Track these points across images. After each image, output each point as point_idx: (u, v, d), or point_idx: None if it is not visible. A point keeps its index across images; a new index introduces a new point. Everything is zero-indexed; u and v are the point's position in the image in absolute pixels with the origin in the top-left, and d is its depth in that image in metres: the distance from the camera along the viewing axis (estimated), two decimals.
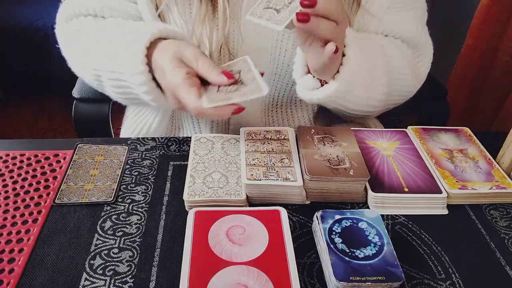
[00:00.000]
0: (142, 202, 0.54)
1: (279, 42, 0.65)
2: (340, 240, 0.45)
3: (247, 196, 0.53)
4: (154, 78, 0.56)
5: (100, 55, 0.61)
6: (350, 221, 0.48)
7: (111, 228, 0.50)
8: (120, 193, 0.55)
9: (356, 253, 0.44)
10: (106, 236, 0.49)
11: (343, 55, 0.57)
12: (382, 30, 0.68)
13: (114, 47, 0.59)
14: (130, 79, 0.56)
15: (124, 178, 0.57)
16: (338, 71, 0.57)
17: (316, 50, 0.53)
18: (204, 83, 0.55)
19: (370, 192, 0.54)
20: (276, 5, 0.51)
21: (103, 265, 0.46)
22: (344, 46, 0.56)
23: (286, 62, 0.66)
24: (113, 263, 0.46)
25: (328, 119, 0.81)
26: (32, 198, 0.53)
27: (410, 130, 0.65)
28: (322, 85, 0.60)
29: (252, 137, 0.60)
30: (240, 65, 0.57)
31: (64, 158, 0.60)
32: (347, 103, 0.62)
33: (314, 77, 0.60)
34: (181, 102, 0.54)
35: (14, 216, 0.51)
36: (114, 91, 0.62)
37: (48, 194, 0.54)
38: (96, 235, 0.49)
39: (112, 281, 0.44)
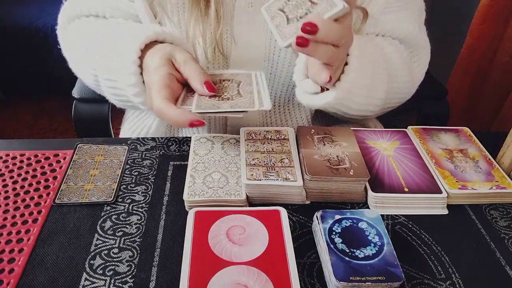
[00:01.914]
0: (142, 202, 0.54)
1: (273, 42, 0.65)
2: (340, 240, 0.45)
3: (247, 196, 0.53)
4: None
5: (98, 56, 0.61)
6: (350, 221, 0.48)
7: (111, 228, 0.50)
8: (120, 193, 0.55)
9: (356, 253, 0.44)
10: (106, 236, 0.49)
11: (346, 63, 0.56)
12: (379, 30, 0.67)
13: (111, 48, 0.59)
14: (122, 80, 0.56)
15: (124, 178, 0.57)
16: (339, 79, 0.56)
17: (315, 62, 0.52)
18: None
19: (370, 192, 0.54)
20: (290, 12, 0.50)
21: (103, 265, 0.46)
22: (348, 55, 0.55)
23: (281, 62, 0.66)
24: (113, 263, 0.46)
25: (326, 119, 0.81)
26: (32, 198, 0.53)
27: (410, 130, 0.65)
28: (322, 90, 0.59)
29: (252, 137, 0.60)
30: (243, 77, 0.57)
31: (64, 158, 0.60)
32: (345, 109, 0.61)
33: None
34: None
35: (14, 216, 0.51)
36: (109, 92, 0.62)
37: (48, 194, 0.54)
38: (96, 235, 0.49)
39: (112, 281, 0.44)
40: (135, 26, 0.63)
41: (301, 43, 0.46)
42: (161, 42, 0.57)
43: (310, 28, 0.44)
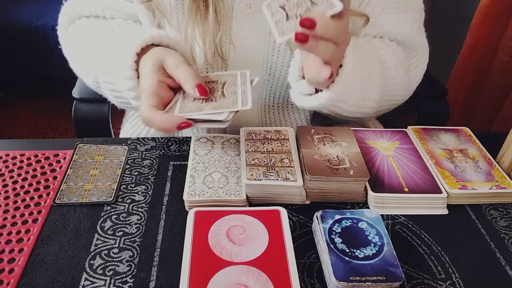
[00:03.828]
0: (142, 202, 0.54)
1: (271, 43, 0.65)
2: (340, 240, 0.45)
3: (247, 196, 0.53)
4: None
5: (98, 58, 0.61)
6: (350, 221, 0.48)
7: (111, 228, 0.50)
8: (120, 193, 0.55)
9: (356, 253, 0.44)
10: (106, 236, 0.49)
11: (340, 65, 0.56)
12: (377, 32, 0.67)
13: (109, 52, 0.59)
14: (120, 84, 0.57)
15: (124, 178, 0.57)
16: (333, 81, 0.56)
17: (313, 62, 0.52)
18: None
19: (370, 192, 0.54)
20: (290, 10, 0.50)
21: (103, 265, 0.46)
22: (343, 57, 0.56)
23: (280, 63, 0.66)
24: (113, 263, 0.46)
25: (325, 119, 0.80)
26: (32, 198, 0.53)
27: (410, 130, 0.65)
28: (316, 91, 0.59)
29: (252, 137, 0.60)
30: (228, 78, 0.56)
31: (64, 158, 0.60)
32: (339, 110, 0.62)
33: None
34: None
35: (14, 216, 0.51)
36: (110, 94, 0.62)
37: (48, 194, 0.54)
38: (96, 235, 0.49)
39: (112, 281, 0.44)
40: (132, 29, 0.63)
41: (301, 39, 0.46)
42: (158, 45, 0.57)
43: (308, 23, 0.45)
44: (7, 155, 0.60)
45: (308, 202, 0.55)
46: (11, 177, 0.56)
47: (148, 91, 0.51)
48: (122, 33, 0.62)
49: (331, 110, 0.61)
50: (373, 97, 0.63)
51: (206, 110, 0.51)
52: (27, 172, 0.57)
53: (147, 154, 0.61)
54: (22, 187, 0.55)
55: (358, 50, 0.59)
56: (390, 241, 0.46)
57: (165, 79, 0.53)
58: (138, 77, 0.55)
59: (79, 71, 0.68)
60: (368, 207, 0.54)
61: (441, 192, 0.54)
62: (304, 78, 0.58)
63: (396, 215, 0.54)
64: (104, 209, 0.52)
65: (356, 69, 0.56)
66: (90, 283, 0.44)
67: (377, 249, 0.45)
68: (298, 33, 0.46)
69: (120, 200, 0.54)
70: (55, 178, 0.56)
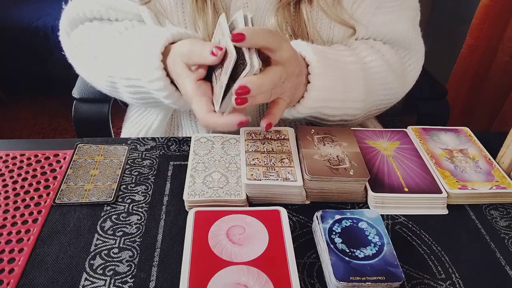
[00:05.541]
0: (142, 202, 0.54)
1: None
2: (340, 240, 0.46)
3: (247, 196, 0.53)
4: (172, 81, 0.56)
5: (114, 63, 0.61)
6: (350, 221, 0.48)
7: (111, 228, 0.50)
8: (120, 193, 0.55)
9: (356, 253, 0.44)
10: (106, 236, 0.49)
11: (308, 82, 0.57)
12: (371, 33, 0.67)
13: (129, 55, 0.59)
14: (148, 86, 0.57)
15: (124, 178, 0.57)
16: (303, 96, 0.58)
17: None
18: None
19: (370, 192, 0.54)
20: (218, 77, 0.51)
21: (103, 265, 0.46)
22: (309, 74, 0.57)
23: None
24: (113, 263, 0.46)
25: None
26: (32, 198, 0.53)
27: (410, 130, 0.65)
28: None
29: (252, 137, 0.60)
30: (218, 34, 0.54)
31: (64, 158, 0.60)
32: (318, 120, 0.64)
33: None
34: None
35: (14, 216, 0.51)
36: (131, 97, 0.63)
37: (48, 194, 0.54)
38: (96, 235, 0.49)
39: (112, 281, 0.44)
40: (149, 30, 0.63)
41: (240, 102, 0.48)
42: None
43: (242, 90, 0.47)
44: (7, 155, 0.60)
45: (308, 202, 0.55)
46: (11, 177, 0.56)
47: (195, 95, 0.52)
48: (139, 35, 0.62)
49: (312, 118, 0.63)
50: (356, 104, 0.63)
51: (225, 81, 0.50)
52: (27, 172, 0.57)
53: (147, 154, 0.61)
54: (22, 187, 0.55)
55: (328, 61, 0.59)
56: (390, 241, 0.46)
57: (198, 74, 0.53)
58: (166, 75, 0.56)
59: (88, 74, 0.68)
60: (368, 207, 0.54)
61: (441, 192, 0.54)
62: None
63: (396, 215, 0.54)
64: (104, 209, 0.52)
65: (324, 82, 0.58)
66: (90, 283, 0.44)
67: (377, 249, 0.45)
68: (236, 98, 0.48)
69: (120, 200, 0.54)
70: (55, 178, 0.56)
